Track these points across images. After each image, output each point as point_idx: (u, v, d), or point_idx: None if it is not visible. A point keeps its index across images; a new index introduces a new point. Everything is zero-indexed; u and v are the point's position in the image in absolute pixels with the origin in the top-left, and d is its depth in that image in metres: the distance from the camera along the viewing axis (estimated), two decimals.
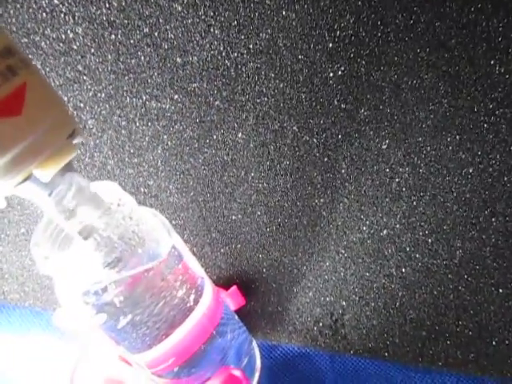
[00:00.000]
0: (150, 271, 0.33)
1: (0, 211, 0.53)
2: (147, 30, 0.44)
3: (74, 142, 0.24)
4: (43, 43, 0.46)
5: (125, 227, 0.32)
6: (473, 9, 0.39)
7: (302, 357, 0.52)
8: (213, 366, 0.41)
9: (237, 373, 0.40)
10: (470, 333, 0.48)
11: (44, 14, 0.45)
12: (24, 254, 0.54)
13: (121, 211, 0.32)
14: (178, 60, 0.44)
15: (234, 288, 0.48)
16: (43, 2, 0.45)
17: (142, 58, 0.44)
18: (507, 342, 0.48)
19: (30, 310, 0.55)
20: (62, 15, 0.45)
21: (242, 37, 0.42)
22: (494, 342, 0.48)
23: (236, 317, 0.45)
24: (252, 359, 0.47)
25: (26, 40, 0.46)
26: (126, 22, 0.44)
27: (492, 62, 0.40)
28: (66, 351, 0.52)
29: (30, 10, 0.45)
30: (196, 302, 0.38)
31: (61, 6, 0.45)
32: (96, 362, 0.45)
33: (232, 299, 0.48)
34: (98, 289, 0.32)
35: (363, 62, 0.41)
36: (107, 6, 0.44)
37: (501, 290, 0.46)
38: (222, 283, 0.50)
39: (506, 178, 0.42)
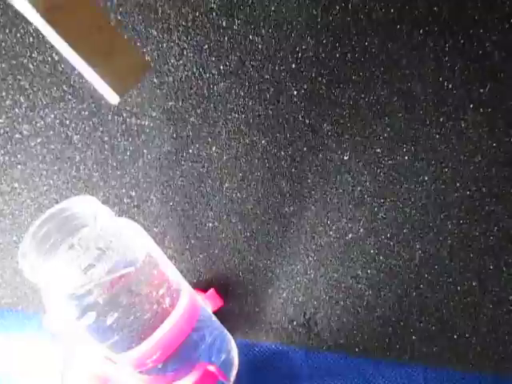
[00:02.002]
0: (126, 276, 0.36)
1: None
2: None
3: None
4: (30, 65, 0.50)
5: (102, 237, 0.36)
6: (421, 31, 0.42)
7: (279, 353, 0.55)
8: (191, 363, 0.43)
9: (212, 368, 0.43)
10: (433, 328, 0.51)
11: (31, 39, 0.49)
12: (16, 260, 0.57)
13: (98, 223, 0.35)
14: (155, 80, 0.47)
15: (211, 291, 0.52)
16: (30, 28, 0.48)
17: None
18: (467, 335, 0.51)
19: (23, 313, 0.58)
20: (48, 39, 0.49)
21: (213, 59, 0.46)
22: (455, 336, 0.51)
23: (213, 317, 0.48)
24: (229, 356, 0.50)
25: (14, 62, 0.50)
26: None
27: (440, 79, 0.43)
28: (57, 352, 0.55)
29: (18, 35, 0.49)
30: (173, 304, 0.41)
31: None
32: (83, 361, 0.48)
33: (210, 301, 0.51)
34: (81, 292, 0.35)
35: (324, 81, 0.45)
36: None
37: (459, 288, 0.49)
38: (202, 286, 0.53)
39: (458, 184, 0.46)
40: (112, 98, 0.25)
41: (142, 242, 0.39)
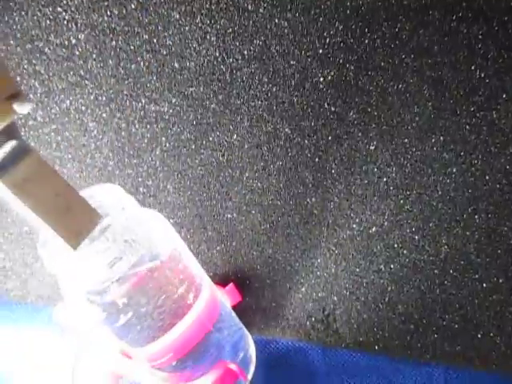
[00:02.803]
0: (152, 271, 0.34)
1: (2, 210, 0.55)
2: (146, 36, 0.46)
3: (16, 106, 0.25)
4: (47, 49, 0.48)
5: (128, 229, 0.34)
6: (454, 17, 0.41)
7: (296, 350, 0.54)
8: (210, 360, 0.42)
9: (233, 367, 0.42)
10: (456, 326, 0.50)
11: (48, 21, 0.48)
12: (26, 252, 0.55)
13: (124, 214, 0.34)
14: (176, 65, 0.46)
15: (231, 285, 0.50)
16: (47, 10, 0.47)
17: (142, 63, 0.47)
18: (491, 334, 0.50)
19: (32, 306, 0.57)
20: (65, 22, 0.47)
21: (237, 43, 0.44)
22: (479, 335, 0.50)
23: (233, 314, 0.47)
24: (247, 354, 0.48)
25: (29, 46, 0.48)
26: (126, 29, 0.46)
27: (473, 67, 0.42)
28: (67, 346, 0.54)
29: (35, 18, 0.47)
30: (195, 299, 0.39)
31: (64, 13, 0.47)
32: (97, 357, 0.47)
33: (229, 296, 0.50)
34: (103, 287, 0.34)
35: (352, 68, 0.43)
36: (108, 13, 0.46)
37: (484, 285, 0.48)
38: (218, 280, 0.52)
39: (487, 177, 0.45)
40: (67, 249, 0.28)
41: (168, 234, 0.38)
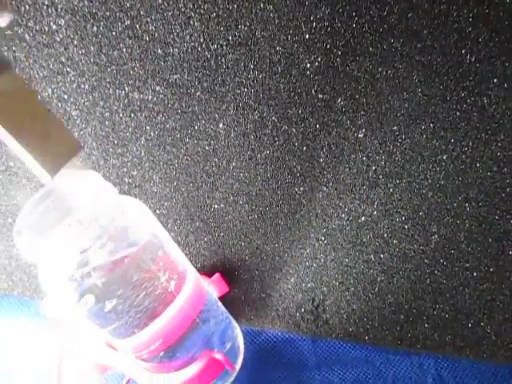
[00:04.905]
0: (129, 257, 0.34)
1: None
2: (129, 22, 0.44)
3: None
4: (26, 35, 0.47)
5: (104, 215, 0.33)
6: (444, 0, 0.40)
7: (285, 341, 0.53)
8: (196, 350, 0.42)
9: (218, 356, 0.41)
10: (447, 315, 0.50)
11: (27, 6, 0.46)
12: (12, 244, 0.54)
13: (100, 200, 0.33)
14: (159, 52, 0.45)
15: (217, 275, 0.49)
16: None
17: (124, 49, 0.45)
18: (482, 323, 0.49)
19: (19, 299, 0.56)
20: (45, 7, 0.46)
21: (221, 29, 0.43)
22: (469, 324, 0.50)
23: (219, 304, 0.46)
24: (235, 344, 0.48)
25: (9, 32, 0.47)
26: (107, 14, 0.45)
27: (463, 52, 0.41)
28: (54, 339, 0.53)
29: (13, 3, 0.46)
30: (178, 289, 0.39)
31: None
32: (83, 348, 0.46)
33: (215, 286, 0.49)
34: (80, 275, 0.33)
35: (339, 53, 0.42)
36: None
37: (475, 274, 0.48)
38: (206, 271, 0.51)
39: (478, 165, 0.44)
40: (44, 176, 0.27)
41: (146, 221, 0.37)
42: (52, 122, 0.28)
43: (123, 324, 0.36)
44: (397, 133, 0.44)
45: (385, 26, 0.41)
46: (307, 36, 0.42)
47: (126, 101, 0.47)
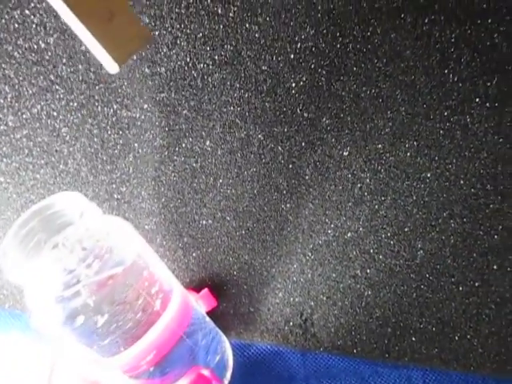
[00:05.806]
0: (114, 277, 0.34)
1: None
2: None
3: None
4: (16, 53, 0.47)
5: (89, 236, 0.34)
6: (426, 20, 0.40)
7: (275, 355, 0.54)
8: (183, 366, 0.42)
9: (205, 372, 0.42)
10: (433, 329, 0.50)
11: (16, 25, 0.46)
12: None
13: (84, 221, 0.33)
14: (147, 70, 0.45)
15: (205, 290, 0.50)
16: (15, 13, 0.46)
17: None
18: (468, 336, 0.50)
19: (10, 312, 0.57)
20: (34, 26, 0.46)
21: (208, 48, 0.44)
22: (456, 337, 0.50)
23: (207, 319, 0.46)
24: (224, 358, 0.48)
25: None
26: None
27: (446, 72, 0.41)
28: (45, 352, 0.53)
29: (3, 21, 0.46)
30: (164, 307, 0.39)
31: (32, 16, 0.46)
32: (72, 363, 0.46)
33: (204, 301, 0.50)
34: (64, 296, 0.33)
35: (324, 73, 0.43)
36: None
37: (461, 288, 0.48)
38: (195, 286, 0.51)
39: (461, 182, 0.44)
40: (111, 66, 0.24)
41: (131, 241, 0.37)
42: (119, 5, 0.25)
43: (109, 343, 0.37)
44: (381, 151, 0.44)
45: (368, 46, 0.42)
46: (292, 56, 0.43)
47: (114, 118, 0.47)
